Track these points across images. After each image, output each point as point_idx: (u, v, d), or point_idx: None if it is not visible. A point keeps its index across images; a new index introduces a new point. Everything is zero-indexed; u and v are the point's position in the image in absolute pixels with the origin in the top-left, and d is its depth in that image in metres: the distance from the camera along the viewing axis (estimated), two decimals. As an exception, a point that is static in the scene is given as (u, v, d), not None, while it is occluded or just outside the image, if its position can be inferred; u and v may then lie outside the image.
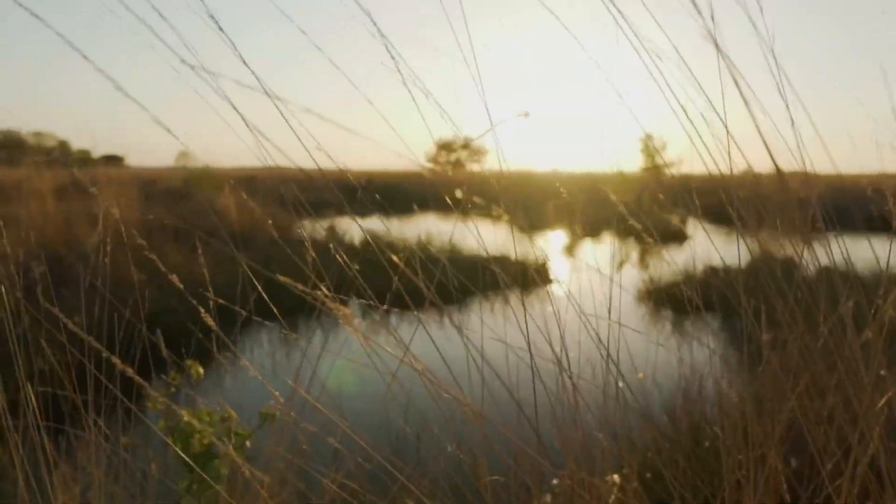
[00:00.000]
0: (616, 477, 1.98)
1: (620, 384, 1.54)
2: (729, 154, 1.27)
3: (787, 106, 1.27)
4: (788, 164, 1.43)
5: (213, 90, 1.10)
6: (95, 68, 1.06)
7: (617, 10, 1.26)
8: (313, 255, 1.47)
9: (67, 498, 1.97)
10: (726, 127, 1.25)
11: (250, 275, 1.51)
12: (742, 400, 1.42)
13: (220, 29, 1.08)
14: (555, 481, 1.99)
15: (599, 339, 1.51)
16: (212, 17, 1.07)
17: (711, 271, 2.15)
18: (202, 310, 1.49)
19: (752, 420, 1.33)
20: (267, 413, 2.55)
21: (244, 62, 1.08)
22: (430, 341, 1.51)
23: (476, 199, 1.66)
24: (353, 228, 10.40)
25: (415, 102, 1.35)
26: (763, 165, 1.48)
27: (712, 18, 1.25)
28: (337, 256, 1.47)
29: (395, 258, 1.45)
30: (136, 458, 2.17)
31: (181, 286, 1.54)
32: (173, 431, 2.36)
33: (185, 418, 2.46)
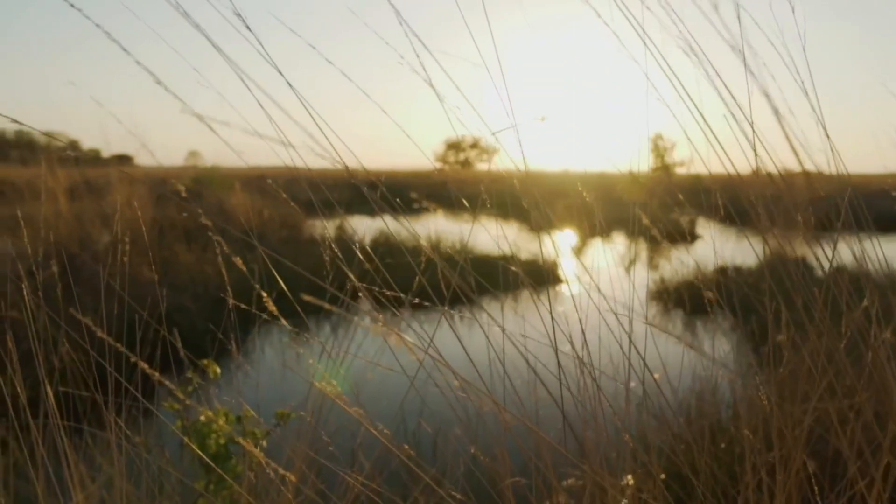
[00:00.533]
0: (630, 477, 1.97)
1: (641, 383, 1.53)
2: (755, 152, 1.26)
3: (818, 106, 1.26)
4: (812, 165, 1.42)
5: (264, 100, 1.10)
6: (135, 61, 1.06)
7: (646, 7, 1.25)
8: (337, 251, 1.47)
9: (84, 497, 1.97)
10: (752, 125, 1.24)
11: (274, 272, 1.51)
12: (767, 399, 1.41)
13: (248, 27, 1.08)
14: (567, 482, 1.99)
15: (630, 341, 1.50)
16: (239, 15, 1.07)
17: (728, 271, 2.14)
18: (265, 295, 1.48)
19: (779, 419, 1.32)
20: (284, 413, 2.55)
21: (276, 68, 1.08)
22: (445, 340, 1.50)
23: (489, 199, 1.66)
24: (363, 227, 10.40)
25: (442, 104, 1.35)
26: (781, 165, 1.47)
27: (738, 19, 1.24)
28: (357, 254, 1.47)
29: (425, 246, 1.45)
30: (154, 457, 2.18)
31: (245, 270, 1.54)
32: (189, 431, 2.37)
33: (202, 418, 2.47)
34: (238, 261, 1.45)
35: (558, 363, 1.35)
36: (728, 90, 1.30)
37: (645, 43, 1.28)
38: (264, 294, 1.47)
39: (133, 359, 1.77)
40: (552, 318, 1.38)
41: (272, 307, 1.47)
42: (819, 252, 1.43)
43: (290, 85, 1.09)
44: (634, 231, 2.17)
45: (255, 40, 1.07)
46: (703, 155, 1.52)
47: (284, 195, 1.53)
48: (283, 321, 1.53)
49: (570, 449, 1.44)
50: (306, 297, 1.25)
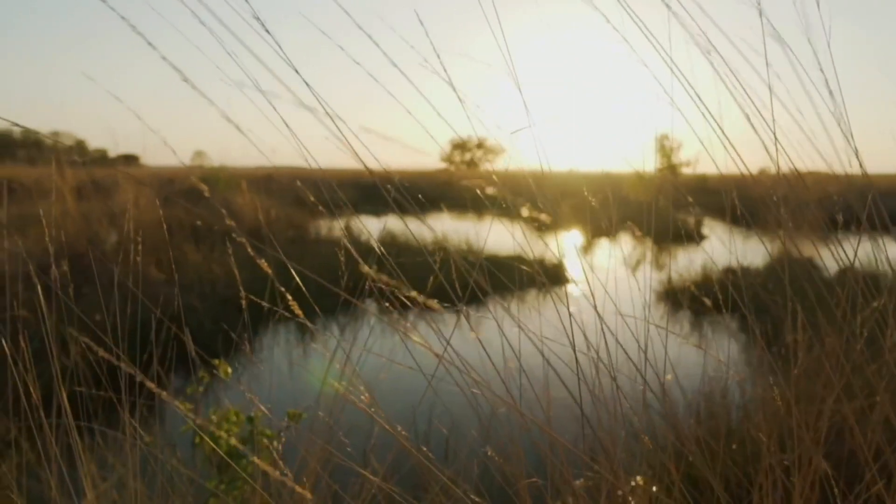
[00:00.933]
0: (640, 478, 1.97)
1: (660, 384, 1.53)
2: (777, 152, 1.26)
3: (843, 104, 1.25)
4: (835, 165, 1.42)
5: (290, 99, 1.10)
6: (161, 56, 1.06)
7: (666, 5, 1.25)
8: (353, 251, 1.47)
9: (96, 496, 1.98)
10: (773, 129, 1.23)
11: (294, 274, 1.51)
12: (785, 399, 1.41)
13: (267, 31, 1.08)
14: (579, 482, 1.98)
15: (647, 342, 1.50)
16: (258, 18, 1.07)
17: (740, 271, 2.14)
18: (289, 297, 1.48)
19: (797, 419, 1.32)
20: (295, 413, 2.55)
21: (296, 71, 1.08)
22: (459, 339, 1.50)
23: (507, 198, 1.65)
24: (369, 227, 10.38)
25: (463, 106, 1.35)
26: (802, 165, 1.47)
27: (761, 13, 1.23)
28: (377, 252, 1.47)
29: (445, 245, 1.45)
30: (167, 456, 2.18)
31: (269, 272, 1.54)
32: (202, 431, 2.37)
33: (213, 418, 2.47)
34: (263, 264, 1.45)
35: (577, 362, 1.35)
36: (744, 88, 1.29)
37: (654, 46, 1.28)
38: (288, 296, 1.47)
39: (142, 363, 1.77)
40: (570, 316, 1.38)
41: (298, 312, 1.47)
42: (839, 252, 1.42)
43: (319, 98, 1.10)
44: (647, 231, 2.17)
45: (274, 42, 1.07)
46: (717, 155, 1.52)
47: (313, 198, 1.53)
48: (305, 321, 1.53)
49: (585, 449, 1.44)
50: (371, 275, 1.25)
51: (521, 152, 1.50)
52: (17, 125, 1.30)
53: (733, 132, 1.31)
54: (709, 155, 1.37)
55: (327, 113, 1.15)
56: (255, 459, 1.43)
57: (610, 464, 1.38)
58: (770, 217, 1.52)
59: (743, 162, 1.39)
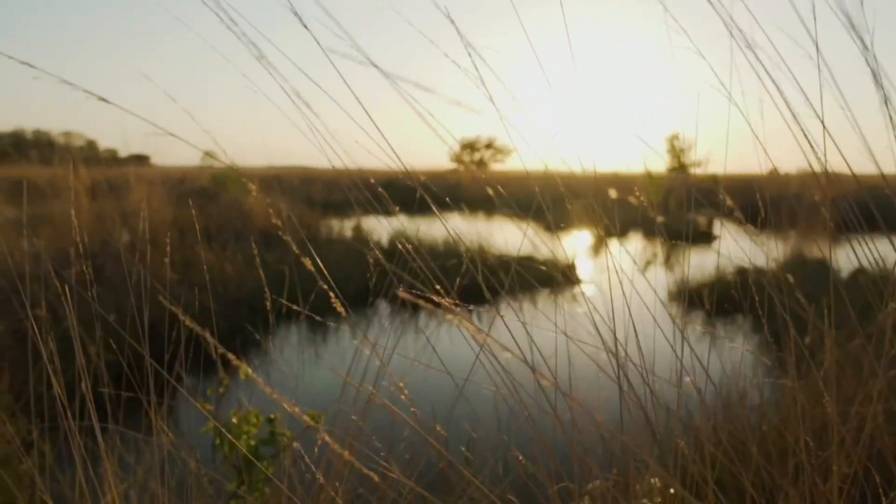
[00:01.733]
0: (657, 480, 1.95)
1: (698, 389, 1.51)
2: (825, 152, 1.24)
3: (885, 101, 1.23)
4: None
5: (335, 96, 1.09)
6: (238, 34, 1.05)
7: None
8: (359, 252, 1.46)
9: (116, 496, 1.97)
10: (823, 124, 1.21)
11: (318, 274, 1.50)
12: (820, 399, 1.39)
13: (305, 26, 1.06)
14: (591, 485, 1.97)
15: (683, 346, 1.48)
16: (295, 13, 1.05)
17: (770, 272, 2.12)
18: (333, 297, 1.47)
19: (837, 424, 1.30)
20: (314, 414, 2.55)
21: (334, 65, 1.07)
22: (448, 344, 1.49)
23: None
24: (379, 227, 10.39)
25: (494, 106, 1.34)
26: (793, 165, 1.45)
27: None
28: (410, 254, 1.46)
29: (476, 252, 1.44)
30: (189, 456, 2.18)
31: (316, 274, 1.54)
32: (225, 431, 2.37)
33: (234, 419, 2.47)
34: (308, 262, 1.44)
35: (618, 368, 1.34)
36: (796, 81, 1.27)
37: (731, 34, 1.26)
38: (332, 296, 1.46)
39: (165, 363, 1.77)
40: (613, 320, 1.37)
41: (341, 308, 1.46)
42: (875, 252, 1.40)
43: (341, 97, 1.09)
44: (670, 232, 2.16)
45: (314, 38, 1.06)
46: (746, 152, 1.51)
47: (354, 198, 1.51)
48: (344, 318, 1.52)
49: (621, 448, 1.42)
50: (427, 271, 1.24)
51: (552, 152, 1.49)
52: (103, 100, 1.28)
53: (770, 129, 1.30)
54: (762, 148, 1.36)
55: (352, 117, 1.14)
56: (289, 454, 1.42)
57: (643, 465, 1.36)
58: (802, 217, 1.50)
59: (818, 156, 1.36)
